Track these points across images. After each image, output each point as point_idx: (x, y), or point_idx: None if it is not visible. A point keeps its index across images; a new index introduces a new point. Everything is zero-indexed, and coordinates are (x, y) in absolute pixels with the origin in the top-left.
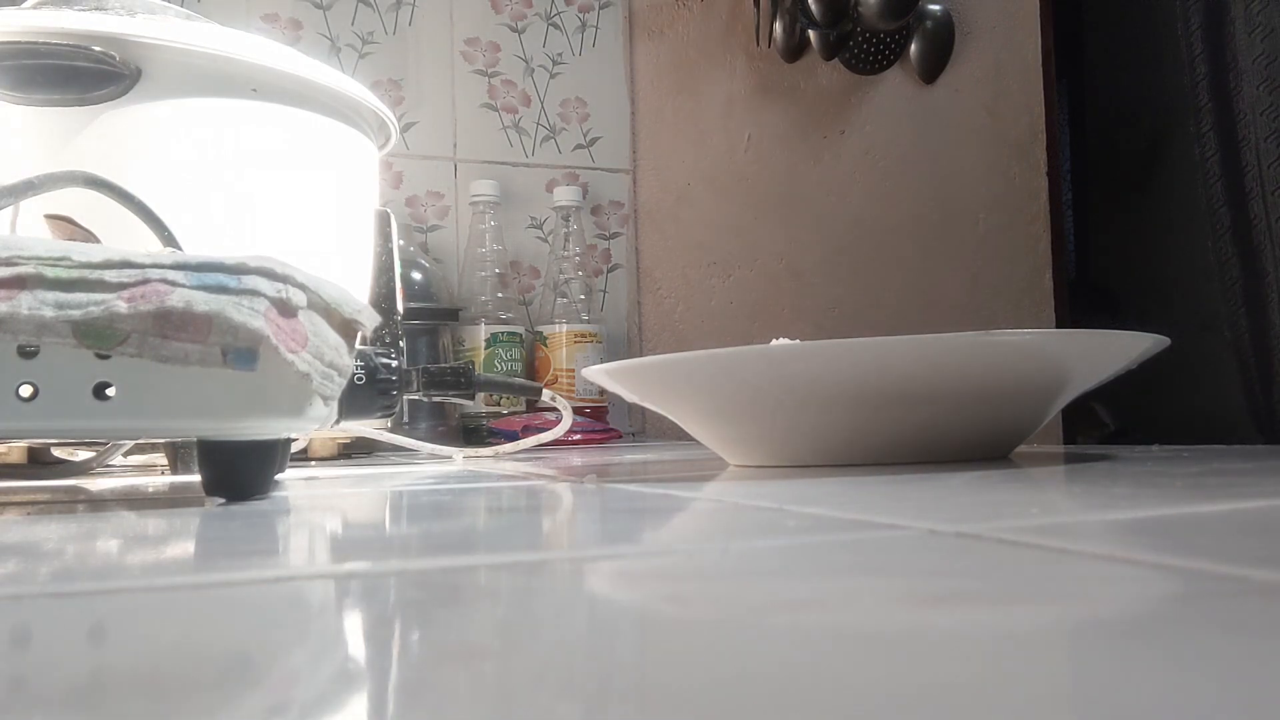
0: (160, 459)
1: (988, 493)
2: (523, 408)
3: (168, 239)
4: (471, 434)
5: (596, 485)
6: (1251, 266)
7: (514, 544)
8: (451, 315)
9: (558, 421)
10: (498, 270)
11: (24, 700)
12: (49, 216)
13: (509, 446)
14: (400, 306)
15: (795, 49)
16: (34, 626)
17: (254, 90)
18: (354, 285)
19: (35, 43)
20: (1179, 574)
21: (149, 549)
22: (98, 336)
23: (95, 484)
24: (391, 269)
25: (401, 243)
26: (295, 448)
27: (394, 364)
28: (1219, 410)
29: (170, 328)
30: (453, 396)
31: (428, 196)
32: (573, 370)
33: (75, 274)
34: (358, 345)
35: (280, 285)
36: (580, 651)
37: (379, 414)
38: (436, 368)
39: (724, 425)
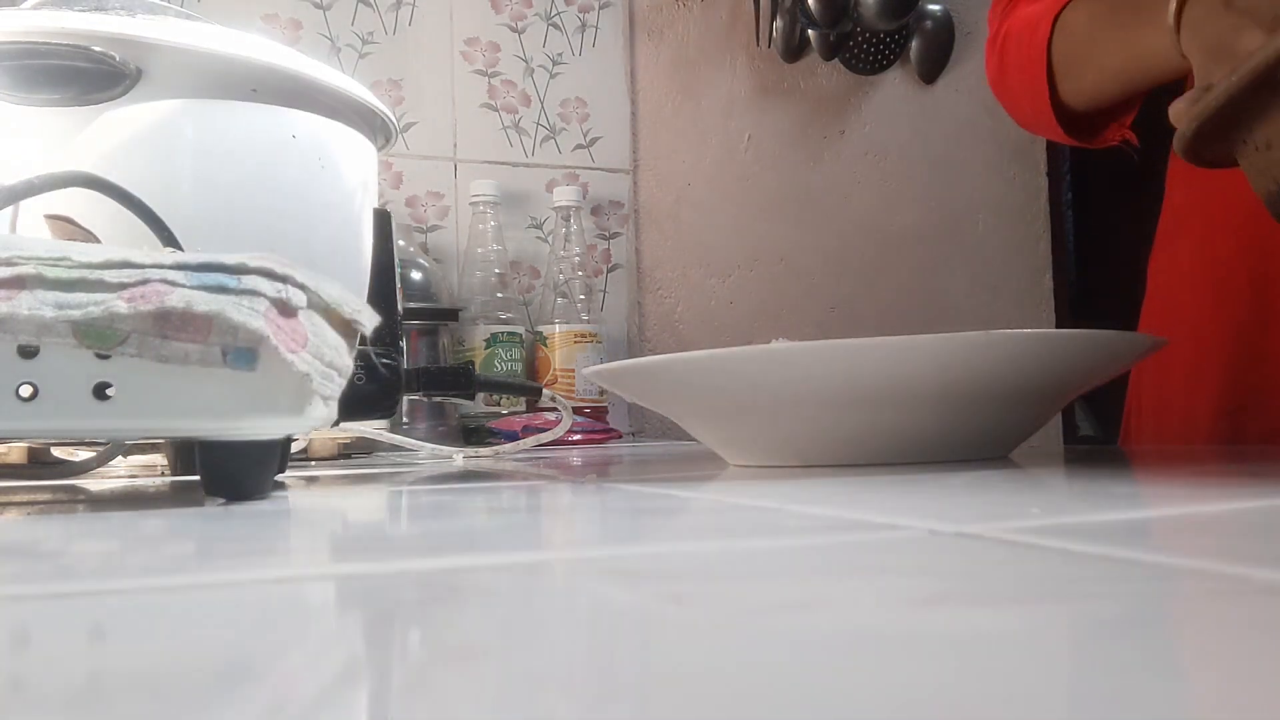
0: (160, 459)
1: (988, 493)
2: (523, 408)
3: (168, 239)
4: (471, 434)
5: (596, 485)
6: None
7: (514, 544)
8: (451, 315)
9: (558, 421)
10: (498, 270)
11: (24, 700)
12: (49, 216)
13: (509, 446)
14: (400, 306)
15: (795, 49)
16: (34, 626)
17: (254, 90)
18: (354, 285)
19: (35, 43)
20: (1179, 574)
21: (149, 549)
22: (98, 336)
23: (95, 484)
24: (391, 269)
25: (401, 243)
26: (295, 448)
27: (394, 364)
28: None
29: (170, 328)
30: (453, 396)
31: (428, 196)
32: (572, 370)
33: (75, 274)
34: (358, 345)
35: (280, 285)
36: (580, 651)
37: (379, 414)
38: (436, 368)
39: (724, 425)
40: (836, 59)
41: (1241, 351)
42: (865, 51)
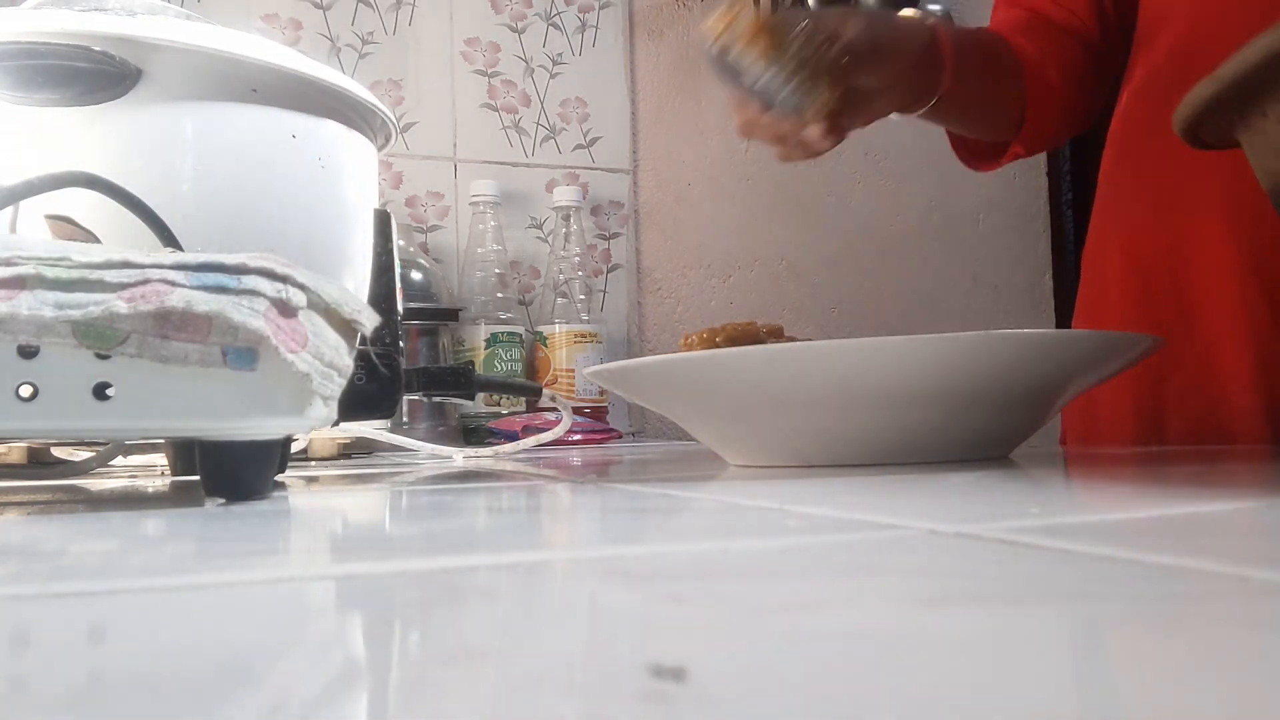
0: (160, 459)
1: (988, 493)
2: (523, 408)
3: (168, 239)
4: (471, 434)
5: (596, 485)
6: None
7: (514, 544)
8: (451, 315)
9: (558, 421)
10: (498, 270)
11: (24, 700)
12: (49, 216)
13: (509, 446)
14: (400, 306)
15: None
16: (34, 626)
17: (254, 90)
18: (354, 285)
19: (35, 43)
20: (1179, 574)
21: (149, 549)
22: (98, 336)
23: (95, 484)
24: (391, 269)
25: (401, 243)
26: (295, 448)
27: (394, 364)
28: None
29: (170, 328)
30: (453, 396)
31: (428, 196)
32: (572, 370)
33: (75, 274)
34: (358, 345)
35: (280, 285)
36: (580, 651)
37: (379, 414)
38: (436, 368)
39: (724, 425)
40: None
41: (1165, 350)
42: None
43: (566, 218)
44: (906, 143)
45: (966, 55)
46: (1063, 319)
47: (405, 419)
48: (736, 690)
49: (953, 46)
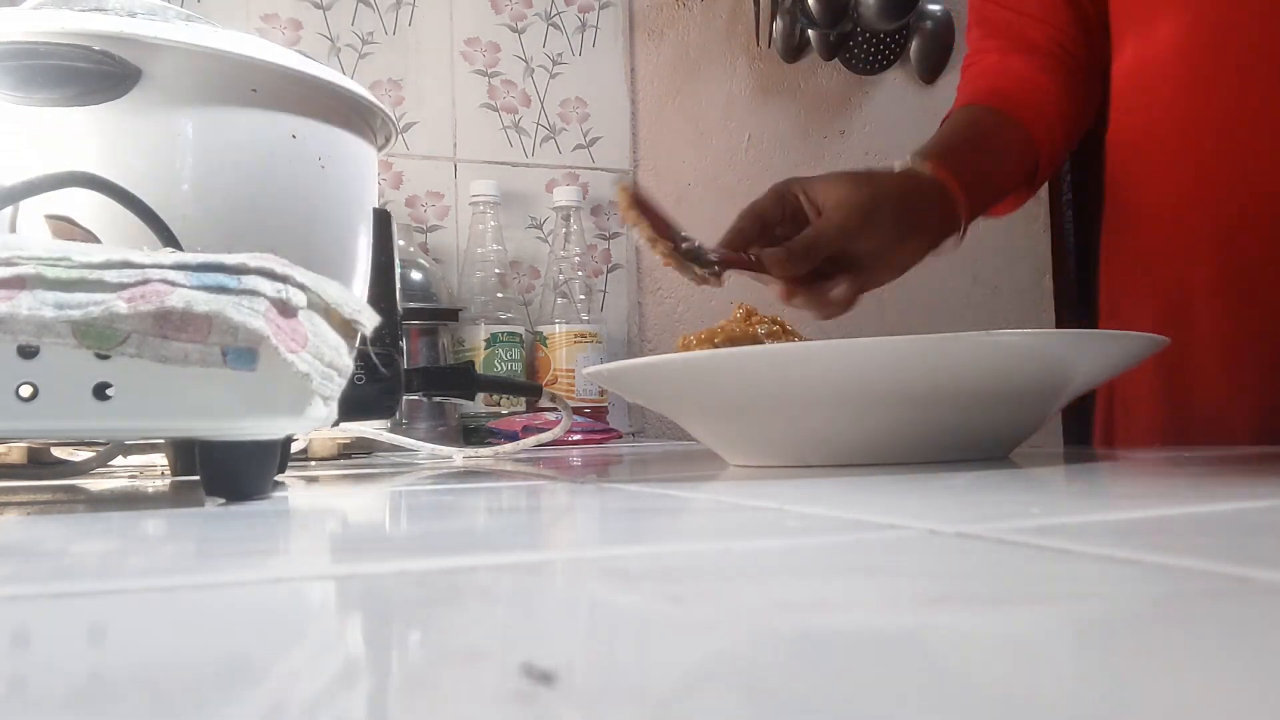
0: (160, 459)
1: (988, 493)
2: (523, 408)
3: (168, 239)
4: (471, 434)
5: (596, 485)
6: None
7: (514, 544)
8: (451, 315)
9: (558, 421)
10: (498, 270)
11: (24, 700)
12: (49, 216)
13: (509, 446)
14: (400, 306)
15: (795, 49)
16: (34, 626)
17: (254, 90)
18: (354, 285)
19: (35, 43)
20: (1179, 574)
21: (149, 549)
22: (98, 336)
23: (95, 484)
24: (391, 269)
25: (401, 243)
26: (295, 448)
27: (394, 364)
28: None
29: (170, 328)
30: (453, 396)
31: (428, 196)
32: (572, 370)
33: (75, 274)
34: (358, 345)
35: (280, 285)
36: (580, 651)
37: (379, 414)
38: (436, 368)
39: (724, 425)
40: (836, 59)
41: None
42: (865, 51)
43: (566, 218)
44: (906, 142)
45: (977, 182)
46: (1062, 319)
47: (405, 419)
48: (736, 690)
49: (965, 197)
